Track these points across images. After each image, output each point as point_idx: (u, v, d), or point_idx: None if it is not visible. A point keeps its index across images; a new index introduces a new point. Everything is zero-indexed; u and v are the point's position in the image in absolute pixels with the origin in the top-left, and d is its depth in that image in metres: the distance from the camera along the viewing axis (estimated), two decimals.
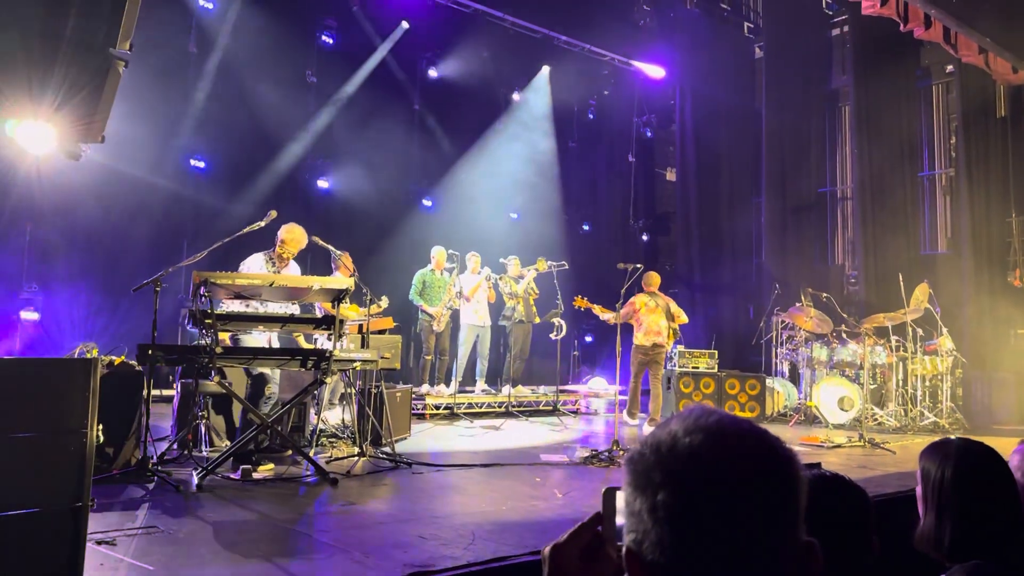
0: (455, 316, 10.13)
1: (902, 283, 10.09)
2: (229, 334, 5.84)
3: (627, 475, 0.93)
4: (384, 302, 7.67)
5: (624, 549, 0.91)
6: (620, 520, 0.99)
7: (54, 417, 2.96)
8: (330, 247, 6.51)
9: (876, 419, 9.88)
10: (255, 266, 6.01)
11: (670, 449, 0.90)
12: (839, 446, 8.05)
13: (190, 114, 10.04)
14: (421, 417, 9.06)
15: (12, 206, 8.42)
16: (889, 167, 12.96)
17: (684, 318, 9.42)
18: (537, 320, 10.65)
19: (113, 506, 4.35)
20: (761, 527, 0.86)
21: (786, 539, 0.87)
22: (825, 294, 10.71)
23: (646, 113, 15.94)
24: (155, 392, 6.16)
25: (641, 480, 0.90)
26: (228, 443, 6.14)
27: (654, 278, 9.34)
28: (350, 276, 6.63)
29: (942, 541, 1.88)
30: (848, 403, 9.95)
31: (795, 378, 11.44)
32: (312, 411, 7.01)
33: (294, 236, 6.16)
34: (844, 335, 10.65)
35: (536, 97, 14.24)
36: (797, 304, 10.79)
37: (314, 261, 9.78)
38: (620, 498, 1.05)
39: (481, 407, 9.85)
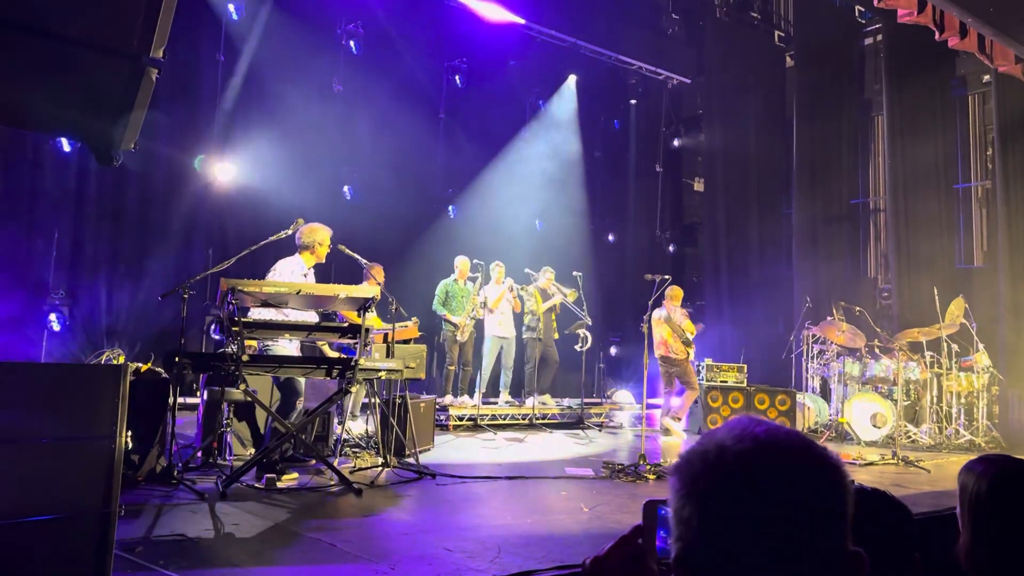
0: (479, 327, 10.14)
1: (937, 297, 9.96)
2: (257, 342, 5.90)
3: (675, 483, 0.94)
4: (413, 324, 7.70)
5: (673, 556, 0.92)
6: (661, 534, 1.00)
7: (83, 423, 3.01)
8: (357, 256, 6.55)
9: (910, 436, 9.75)
10: (286, 272, 6.04)
11: (718, 457, 0.91)
12: (872, 464, 7.95)
13: (217, 121, 10.19)
14: (444, 428, 9.07)
15: (39, 208, 8.58)
16: (924, 178, 12.82)
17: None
18: (556, 336, 10.65)
19: (139, 513, 4.40)
20: (810, 535, 0.87)
21: (834, 548, 0.89)
22: (857, 307, 10.60)
23: (674, 122, 15.91)
24: (180, 400, 6.22)
25: (690, 488, 0.92)
26: (252, 451, 6.19)
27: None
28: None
29: (979, 558, 1.85)
30: (881, 420, 9.82)
31: (826, 394, 11.32)
32: (336, 420, 7.05)
33: (323, 236, 6.19)
34: (877, 350, 10.53)
35: (562, 105, 14.27)
36: (828, 317, 10.68)
37: (339, 270, 9.85)
38: (659, 511, 1.05)
39: (504, 419, 9.85)
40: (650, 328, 8.87)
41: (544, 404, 10.44)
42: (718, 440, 0.93)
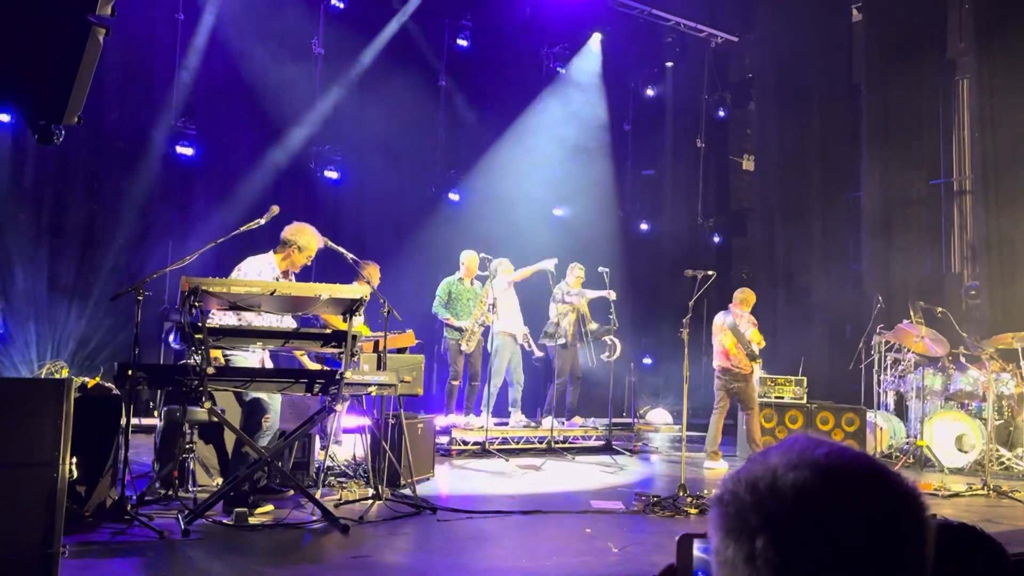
0: (488, 335, 10.12)
1: None
2: (222, 352, 5.91)
3: (717, 518, 0.93)
4: (410, 335, 7.71)
5: None
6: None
7: (19, 447, 3.02)
8: (343, 250, 6.55)
9: (1002, 462, 9.67)
10: (253, 272, 6.06)
11: (770, 487, 0.90)
12: (957, 495, 7.90)
13: (176, 92, 10.24)
14: (447, 454, 9.08)
15: None
16: (1018, 154, 12.71)
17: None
18: (582, 344, 10.62)
19: (86, 555, 4.42)
20: None
21: None
22: (940, 309, 10.52)
23: (718, 89, 15.87)
24: (134, 421, 6.25)
25: (735, 524, 0.90)
26: (219, 481, 6.21)
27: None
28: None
29: None
30: (968, 443, 9.76)
31: (902, 412, 11.25)
32: (318, 444, 7.05)
33: (310, 241, 6.18)
34: (963, 359, 10.45)
35: (585, 70, 14.25)
36: (905, 321, 10.61)
37: (321, 267, 9.88)
38: (697, 547, 1.04)
39: (518, 442, 9.84)
40: (710, 334, 8.81)
41: (574, 427, 10.43)
42: (770, 465, 0.92)
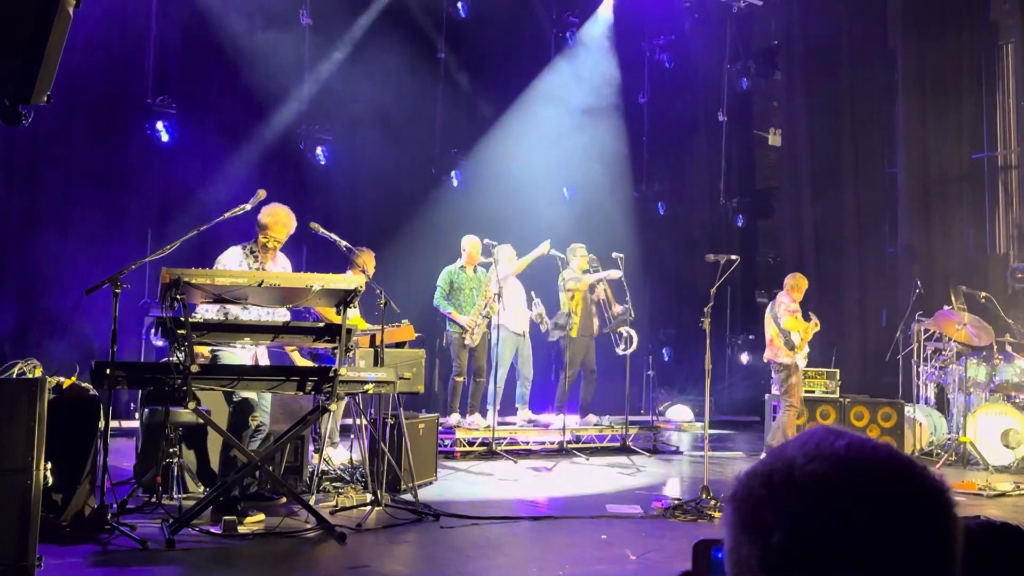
0: (492, 327, 10.12)
1: None
2: (209, 349, 5.94)
3: (731, 514, 0.94)
4: (409, 329, 7.72)
5: None
6: None
7: None
8: (335, 237, 6.57)
9: None
10: (232, 262, 6.08)
11: (786, 480, 0.91)
12: (1003, 494, 7.94)
13: (152, 68, 10.24)
14: (450, 455, 9.10)
15: None
16: None
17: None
18: (596, 332, 10.62)
19: (64, 568, 4.45)
20: None
21: None
22: (984, 293, 10.51)
23: (742, 57, 15.81)
24: (113, 424, 6.28)
25: (749, 520, 0.91)
26: (205, 488, 6.24)
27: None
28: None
29: None
30: (1015, 438, 9.76)
31: (943, 405, 11.25)
32: (312, 447, 7.08)
33: (278, 219, 6.20)
34: (1009, 348, 10.44)
35: (596, 38, 14.22)
36: (946, 307, 10.59)
37: (312, 256, 9.90)
38: (714, 553, 1.05)
39: (527, 443, 9.86)
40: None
41: (588, 425, 10.44)
42: (787, 458, 0.93)
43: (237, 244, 6.30)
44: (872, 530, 0.86)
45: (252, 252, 6.22)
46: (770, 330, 9.69)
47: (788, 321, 9.63)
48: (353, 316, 7.14)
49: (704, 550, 1.02)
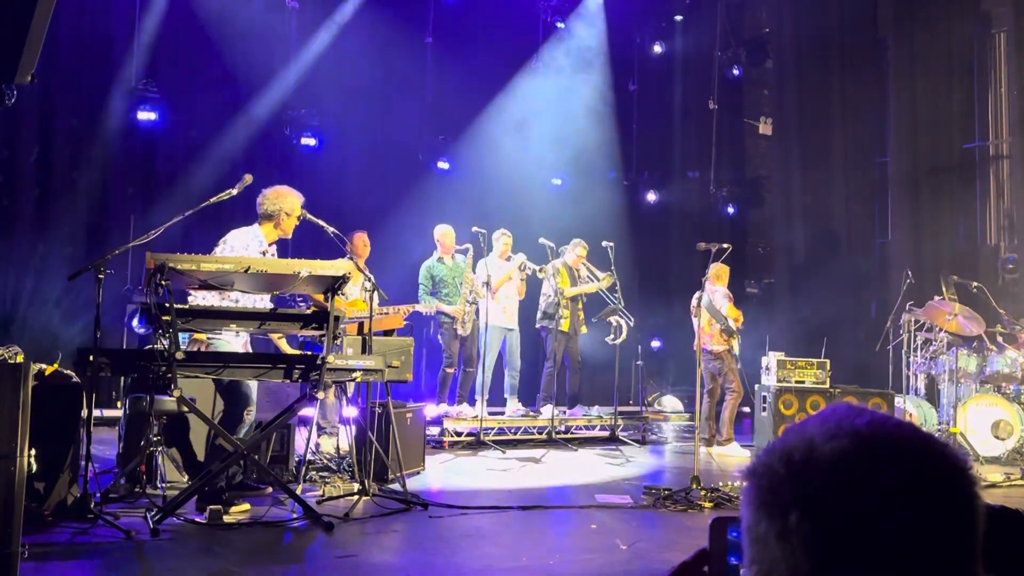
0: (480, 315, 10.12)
1: None
2: (206, 335, 5.91)
3: (749, 491, 0.94)
4: (398, 316, 7.71)
5: None
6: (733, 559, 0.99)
7: None
8: (322, 223, 6.53)
9: None
10: (240, 246, 6.02)
11: (806, 459, 0.90)
12: (994, 485, 7.97)
13: (136, 51, 10.17)
14: (439, 446, 9.11)
15: None
16: None
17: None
18: (584, 331, 10.65)
19: (46, 556, 4.43)
20: (926, 558, 0.86)
21: (959, 574, 0.87)
22: (975, 283, 10.56)
23: (732, 45, 15.80)
24: (96, 411, 6.25)
25: (768, 498, 0.91)
26: (189, 477, 6.22)
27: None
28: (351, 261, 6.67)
29: None
30: (1006, 429, 9.81)
31: (934, 396, 11.30)
32: (298, 436, 7.07)
33: (293, 203, 6.16)
34: (1000, 338, 10.49)
35: (586, 25, 14.19)
36: (936, 297, 10.63)
37: (299, 242, 9.85)
38: (730, 532, 1.04)
39: (515, 433, 9.87)
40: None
41: (575, 415, 10.46)
42: (807, 436, 0.92)
43: (236, 228, 6.21)
44: (893, 508, 0.86)
45: (258, 237, 6.13)
46: (702, 319, 9.71)
47: (730, 309, 9.86)
48: (355, 300, 7.16)
49: (721, 527, 1.01)
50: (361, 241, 8.23)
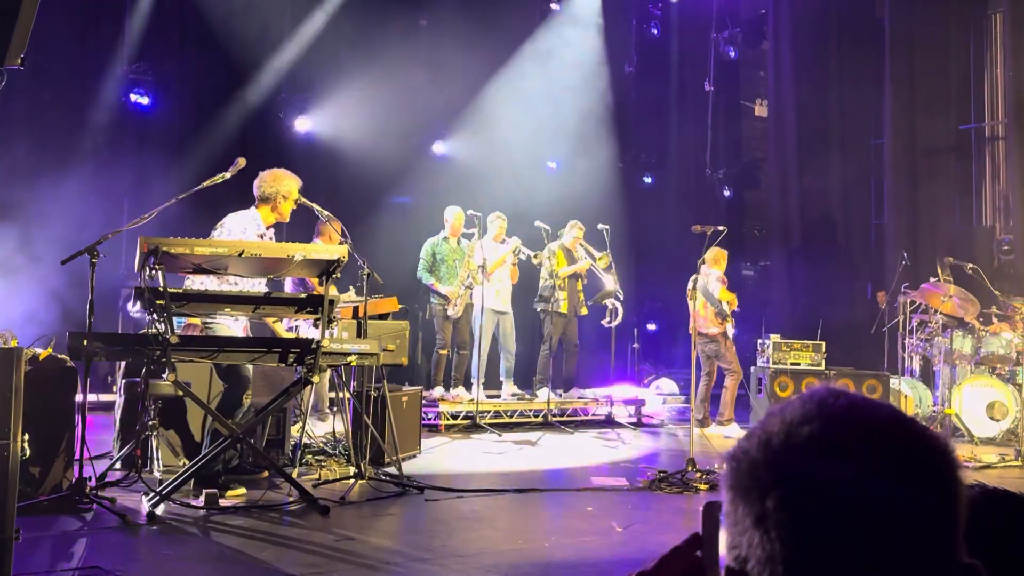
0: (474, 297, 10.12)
1: None
2: (201, 319, 5.90)
3: (727, 475, 0.93)
4: (392, 300, 7.70)
5: (724, 568, 0.92)
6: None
7: None
8: (316, 206, 6.51)
9: None
10: (238, 229, 6.00)
11: (783, 442, 0.89)
12: (988, 466, 8.00)
13: (128, 33, 10.12)
14: (434, 429, 9.12)
15: None
16: None
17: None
18: (584, 311, 10.66)
19: (42, 541, 4.43)
20: (906, 543, 0.85)
21: (940, 560, 0.86)
22: (970, 265, 10.56)
23: (729, 27, 15.77)
24: (91, 396, 6.25)
25: (745, 482, 0.90)
26: (186, 461, 6.22)
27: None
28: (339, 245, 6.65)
29: None
30: (1000, 410, 9.84)
31: (929, 378, 11.33)
32: (293, 420, 7.07)
33: (291, 186, 6.15)
34: (995, 320, 10.50)
35: (581, 6, 14.14)
36: (932, 279, 10.64)
37: (290, 226, 9.82)
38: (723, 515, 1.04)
39: (511, 416, 9.88)
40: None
41: (572, 398, 10.47)
42: (786, 418, 0.91)
43: (231, 211, 6.19)
44: (872, 492, 0.84)
45: (256, 220, 6.12)
46: (697, 302, 9.72)
47: (723, 292, 9.87)
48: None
49: (714, 511, 1.00)
50: (336, 226, 8.25)
